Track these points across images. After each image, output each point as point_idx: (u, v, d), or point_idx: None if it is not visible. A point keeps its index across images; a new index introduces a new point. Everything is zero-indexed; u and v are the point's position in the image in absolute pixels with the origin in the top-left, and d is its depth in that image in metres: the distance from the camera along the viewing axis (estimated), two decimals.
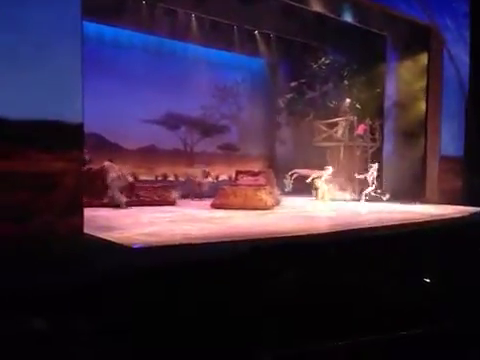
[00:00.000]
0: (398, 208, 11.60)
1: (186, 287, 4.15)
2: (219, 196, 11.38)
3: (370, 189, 12.30)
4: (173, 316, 3.66)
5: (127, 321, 3.52)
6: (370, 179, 12.33)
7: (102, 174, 10.83)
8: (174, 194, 12.14)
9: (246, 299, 4.02)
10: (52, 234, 5.33)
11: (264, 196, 11.14)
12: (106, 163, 11.07)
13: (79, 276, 4.28)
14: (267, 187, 11.58)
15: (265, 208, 10.76)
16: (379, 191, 12.50)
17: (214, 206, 11.06)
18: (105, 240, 6.24)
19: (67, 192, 5.57)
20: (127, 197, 10.99)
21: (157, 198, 11.67)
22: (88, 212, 6.50)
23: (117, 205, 10.54)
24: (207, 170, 13.71)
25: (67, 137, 5.71)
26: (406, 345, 3.36)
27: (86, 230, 5.97)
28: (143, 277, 4.33)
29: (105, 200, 10.64)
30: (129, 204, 10.78)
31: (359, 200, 12.50)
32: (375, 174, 12.38)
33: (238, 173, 12.49)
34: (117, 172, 11.09)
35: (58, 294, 3.78)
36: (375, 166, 12.45)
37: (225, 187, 11.70)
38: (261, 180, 11.85)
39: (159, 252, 5.80)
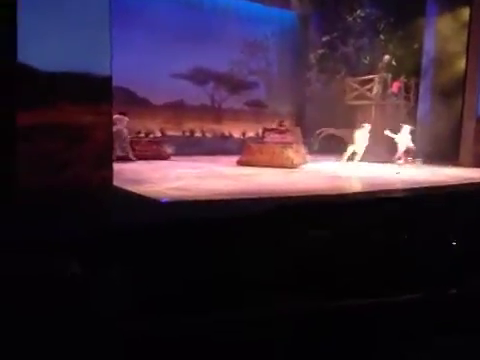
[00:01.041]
0: (429, 171, 11.31)
1: (212, 241, 4.22)
2: (245, 153, 11.35)
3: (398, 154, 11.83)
4: (198, 269, 3.75)
5: (153, 271, 3.63)
6: (401, 141, 11.87)
7: None
8: (168, 149, 12.35)
9: (270, 256, 4.07)
10: (83, 186, 5.46)
11: (291, 154, 11.04)
12: (115, 116, 10.98)
13: (109, 227, 4.40)
14: (294, 145, 11.45)
15: (291, 166, 10.68)
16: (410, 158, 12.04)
17: (240, 163, 11.07)
18: (134, 193, 6.36)
19: (97, 145, 5.65)
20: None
21: (150, 153, 11.93)
22: (116, 165, 6.59)
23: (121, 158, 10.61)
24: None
25: (96, 90, 5.71)
26: (434, 306, 3.36)
27: (115, 183, 6.09)
28: (170, 230, 4.42)
29: None
30: (122, 158, 10.90)
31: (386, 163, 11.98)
32: (409, 137, 11.82)
33: (265, 130, 12.34)
34: (124, 126, 11.13)
35: (89, 243, 3.91)
36: (407, 128, 11.91)
37: (251, 144, 11.63)
38: (288, 138, 11.69)
39: (186, 207, 5.88)
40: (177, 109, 14.16)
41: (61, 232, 4.05)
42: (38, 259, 3.39)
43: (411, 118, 12.71)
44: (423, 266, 4.17)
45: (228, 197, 6.42)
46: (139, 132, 12.62)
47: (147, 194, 6.25)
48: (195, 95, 14.47)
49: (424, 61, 13.73)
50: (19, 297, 3.02)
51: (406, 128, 11.83)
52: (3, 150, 5.19)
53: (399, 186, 8.59)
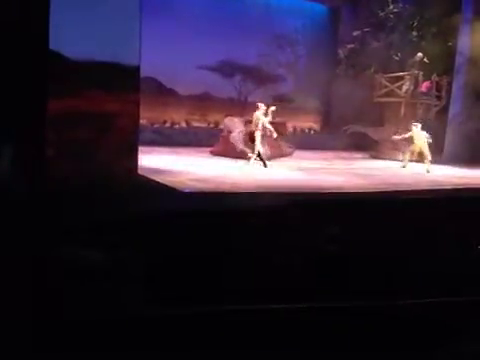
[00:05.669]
0: (455, 173, 11.03)
1: (229, 232, 4.26)
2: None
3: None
4: (215, 257, 3.79)
5: (173, 257, 3.69)
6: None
7: None
8: None
9: (283, 250, 4.07)
10: (108, 174, 5.57)
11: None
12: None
13: (133, 214, 4.50)
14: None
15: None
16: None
17: None
18: (158, 182, 6.46)
19: (124, 134, 5.74)
20: None
21: None
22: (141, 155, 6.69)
23: None
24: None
25: (124, 80, 5.79)
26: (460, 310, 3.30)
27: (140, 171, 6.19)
28: (190, 220, 4.48)
29: None
30: None
31: None
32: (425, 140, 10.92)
33: (247, 122, 11.87)
34: None
35: (114, 229, 4.01)
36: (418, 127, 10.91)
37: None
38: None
39: (207, 198, 5.95)
40: (203, 101, 14.20)
41: (86, 219, 4.16)
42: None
43: (441, 117, 12.36)
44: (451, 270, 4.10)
45: (247, 191, 6.45)
46: (165, 122, 12.76)
47: (169, 184, 6.35)
48: (221, 87, 14.47)
49: (457, 60, 13.32)
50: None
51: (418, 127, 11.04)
52: (33, 137, 5.35)
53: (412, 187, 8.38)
